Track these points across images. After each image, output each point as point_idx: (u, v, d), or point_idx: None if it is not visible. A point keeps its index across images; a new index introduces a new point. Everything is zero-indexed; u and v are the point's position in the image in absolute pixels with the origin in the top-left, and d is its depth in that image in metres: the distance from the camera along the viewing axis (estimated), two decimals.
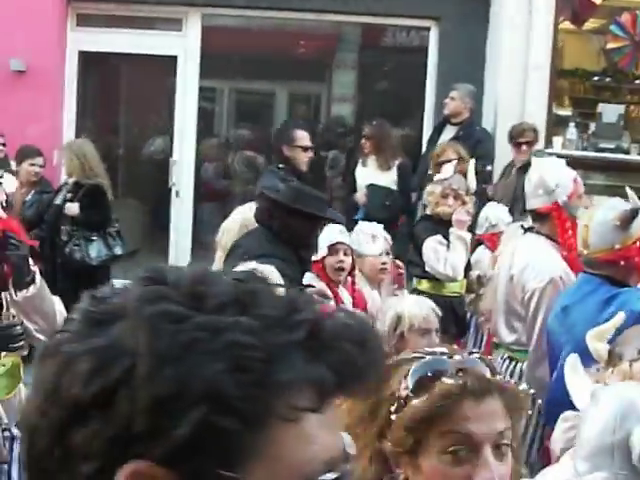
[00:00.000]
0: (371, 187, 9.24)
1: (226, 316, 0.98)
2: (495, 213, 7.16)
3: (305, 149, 7.31)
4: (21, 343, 4.14)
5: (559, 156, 9.90)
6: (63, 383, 0.98)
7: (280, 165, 7.10)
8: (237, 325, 0.97)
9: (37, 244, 4.51)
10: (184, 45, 10.44)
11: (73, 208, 8.28)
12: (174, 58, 10.44)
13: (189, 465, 0.95)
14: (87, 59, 10.53)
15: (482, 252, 6.92)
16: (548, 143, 9.97)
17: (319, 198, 5.33)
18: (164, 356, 0.95)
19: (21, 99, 9.86)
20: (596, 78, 11.31)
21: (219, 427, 0.94)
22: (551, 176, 5.15)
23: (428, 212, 6.87)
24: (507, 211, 7.24)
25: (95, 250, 8.34)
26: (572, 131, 10.24)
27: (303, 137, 7.40)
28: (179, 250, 10.48)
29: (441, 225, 6.61)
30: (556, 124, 10.34)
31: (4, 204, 4.32)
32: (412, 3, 10.14)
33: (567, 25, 10.60)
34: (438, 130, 9.47)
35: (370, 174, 9.41)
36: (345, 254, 5.47)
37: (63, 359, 0.99)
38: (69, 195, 8.38)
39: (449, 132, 9.25)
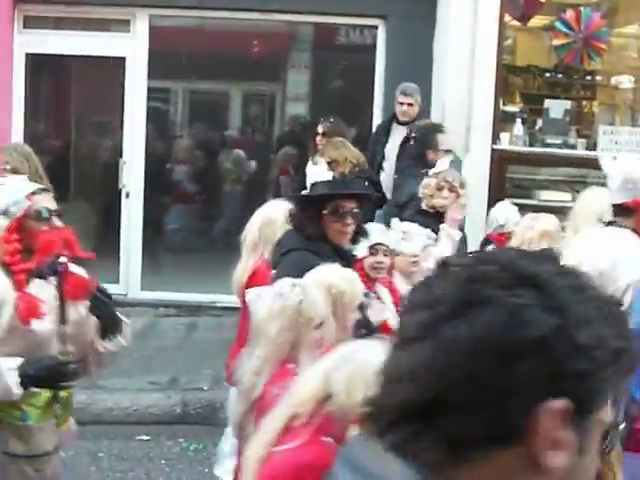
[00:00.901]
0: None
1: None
2: (504, 213, 7.13)
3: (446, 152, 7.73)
4: (71, 382, 4.19)
5: (507, 152, 10.05)
6: (486, 338, 1.25)
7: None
8: (615, 301, 1.37)
9: (94, 257, 4.43)
10: (132, 46, 10.44)
11: None
12: (123, 59, 10.45)
13: (589, 403, 1.28)
14: (35, 61, 10.50)
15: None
16: (496, 139, 10.03)
17: (329, 181, 5.36)
18: (583, 317, 1.27)
19: None
20: (547, 75, 11.36)
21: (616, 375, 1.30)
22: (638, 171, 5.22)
23: (423, 206, 6.84)
24: (516, 211, 7.21)
25: None
26: (519, 127, 10.29)
27: (446, 141, 7.81)
28: (130, 252, 10.49)
29: (431, 218, 6.61)
30: (504, 120, 10.39)
31: (55, 213, 4.29)
32: (361, 2, 10.18)
33: (517, 22, 10.70)
34: (385, 130, 9.45)
35: (321, 172, 9.39)
36: (384, 254, 5.51)
37: (463, 332, 1.25)
38: None
39: (399, 132, 9.23)
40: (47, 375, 4.03)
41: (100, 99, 11.76)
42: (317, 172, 9.28)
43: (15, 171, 8.43)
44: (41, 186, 4.62)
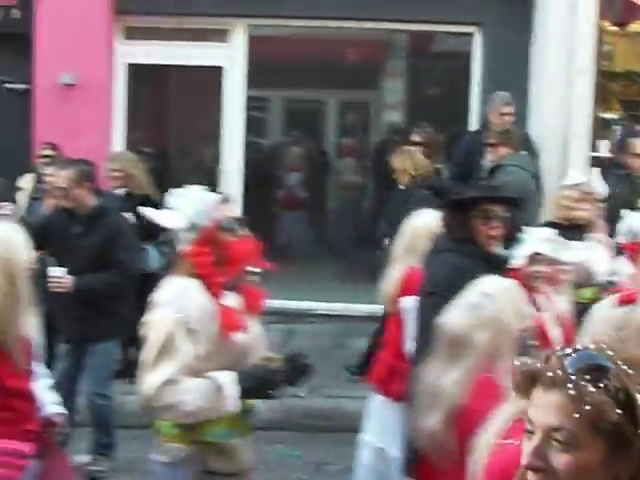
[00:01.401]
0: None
1: None
2: (638, 223, 6.97)
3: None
4: (279, 390, 4.17)
5: (604, 159, 9.91)
6: None
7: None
8: None
9: (275, 268, 4.43)
10: (230, 55, 10.58)
11: (129, 218, 8.38)
12: (220, 69, 10.60)
13: None
14: (135, 71, 10.72)
15: (621, 261, 6.68)
16: (594, 146, 9.93)
17: (479, 186, 5.39)
18: None
19: (71, 112, 10.09)
20: None
21: None
22: None
23: (557, 217, 6.75)
24: None
25: (153, 259, 8.50)
26: (618, 134, 10.16)
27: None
28: None
29: (566, 230, 6.47)
30: (602, 127, 10.27)
31: (239, 222, 4.26)
32: (455, 9, 10.16)
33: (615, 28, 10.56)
34: (479, 142, 9.32)
35: None
36: (544, 264, 5.41)
37: None
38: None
39: None
40: (259, 385, 4.03)
41: (198, 108, 11.93)
42: None
43: (130, 177, 8.64)
44: (223, 195, 4.63)
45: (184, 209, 4.14)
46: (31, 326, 4.16)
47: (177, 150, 11.82)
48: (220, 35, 10.77)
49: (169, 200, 4.30)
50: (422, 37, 11.89)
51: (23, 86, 10.52)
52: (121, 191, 8.62)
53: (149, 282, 8.35)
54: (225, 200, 4.46)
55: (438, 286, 4.75)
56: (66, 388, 6.62)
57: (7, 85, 10.61)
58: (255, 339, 4.27)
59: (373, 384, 6.01)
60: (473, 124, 10.36)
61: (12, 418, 4.06)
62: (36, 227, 6.83)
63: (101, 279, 6.66)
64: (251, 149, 11.07)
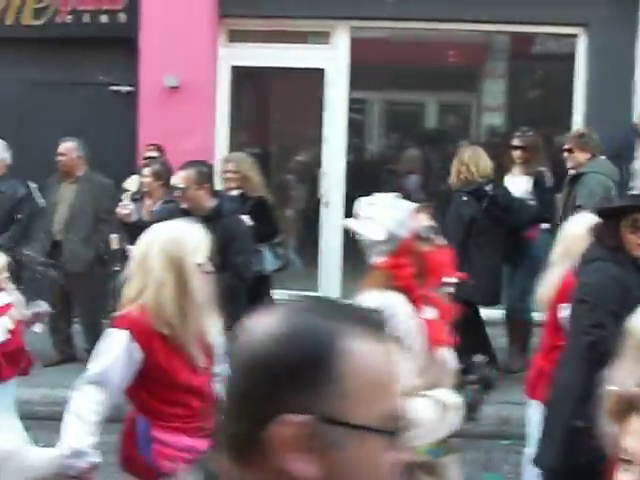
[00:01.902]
0: None
1: None
2: None
3: None
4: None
5: None
6: None
7: None
8: None
9: (467, 277, 4.32)
10: (332, 57, 10.61)
11: (245, 220, 8.41)
12: (322, 71, 10.63)
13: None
14: (238, 74, 10.81)
15: None
16: None
17: (631, 195, 5.36)
18: None
19: (175, 114, 10.22)
20: None
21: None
22: None
23: None
24: None
25: (268, 261, 8.56)
26: None
27: None
28: (329, 261, 10.63)
29: None
30: None
31: (434, 231, 4.17)
32: (559, 10, 10.04)
33: None
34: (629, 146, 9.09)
35: (510, 183, 9.32)
36: None
37: None
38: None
39: None
40: (472, 404, 4.02)
41: (300, 110, 11.98)
42: (515, 184, 9.25)
43: (246, 179, 8.68)
44: (420, 203, 4.52)
45: (382, 219, 4.01)
46: (210, 326, 4.23)
47: (279, 152, 11.87)
48: (322, 37, 10.81)
49: (361, 209, 4.19)
50: (523, 39, 11.76)
51: (128, 88, 10.69)
52: (236, 192, 8.62)
53: (264, 284, 8.48)
54: (421, 208, 4.33)
55: (589, 294, 4.78)
56: None
57: (113, 87, 10.79)
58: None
59: (526, 389, 5.95)
60: (576, 127, 10.21)
61: (187, 415, 4.13)
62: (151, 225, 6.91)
63: (216, 281, 6.69)
64: (352, 151, 11.06)
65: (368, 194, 11.14)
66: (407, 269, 3.92)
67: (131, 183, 9.74)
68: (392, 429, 1.40)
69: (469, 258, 7.99)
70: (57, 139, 9.42)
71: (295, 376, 1.35)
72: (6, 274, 6.33)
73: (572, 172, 8.39)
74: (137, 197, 8.92)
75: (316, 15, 10.55)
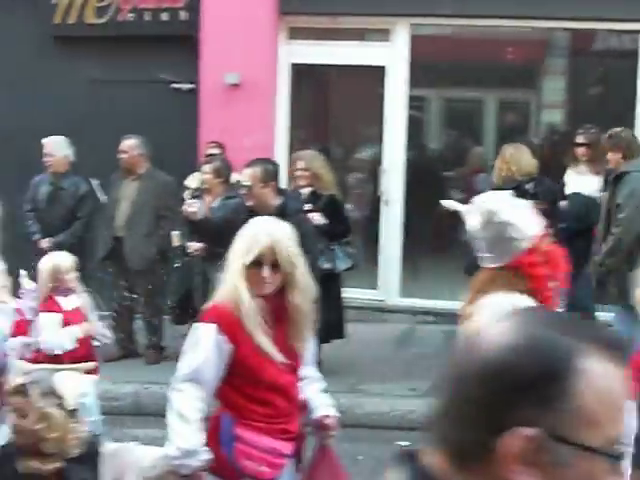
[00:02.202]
0: (573, 195, 9.07)
1: None
2: None
3: None
4: None
5: None
6: None
7: None
8: None
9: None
10: (392, 55, 10.57)
11: (319, 218, 8.38)
12: (382, 68, 10.60)
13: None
14: (298, 71, 10.82)
15: None
16: None
17: None
18: None
19: (236, 112, 10.26)
20: None
21: None
22: None
23: None
24: None
25: (340, 259, 8.54)
26: None
27: None
28: (389, 258, 10.60)
29: None
30: None
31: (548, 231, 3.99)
32: (621, 7, 9.92)
33: None
34: None
35: (577, 181, 9.24)
36: None
37: None
38: (307, 206, 8.41)
39: None
40: None
41: (360, 108, 11.96)
42: (577, 181, 9.17)
43: (317, 177, 8.66)
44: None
45: (511, 218, 3.80)
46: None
47: (338, 150, 11.85)
48: (382, 34, 10.77)
49: (479, 208, 3.92)
50: (584, 35, 11.64)
51: (189, 86, 10.73)
52: (306, 191, 8.60)
53: (334, 282, 8.48)
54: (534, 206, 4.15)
55: None
56: None
57: (174, 85, 10.84)
58: None
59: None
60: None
61: (271, 414, 4.10)
62: (218, 223, 6.93)
63: None
64: (411, 149, 11.02)
65: (428, 192, 11.15)
66: (541, 268, 3.76)
67: (192, 180, 9.79)
68: (617, 454, 1.38)
69: None
70: (119, 137, 9.49)
71: (531, 389, 1.35)
72: (74, 274, 6.35)
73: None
74: (197, 194, 8.96)
75: (376, 12, 10.51)
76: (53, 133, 9.67)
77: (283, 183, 8.78)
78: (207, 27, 10.40)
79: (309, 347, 4.30)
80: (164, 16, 10.69)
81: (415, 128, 11.40)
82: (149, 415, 7.70)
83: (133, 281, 9.25)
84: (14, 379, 3.63)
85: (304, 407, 4.30)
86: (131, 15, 10.76)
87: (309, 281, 4.12)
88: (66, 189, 9.44)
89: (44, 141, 9.54)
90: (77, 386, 3.73)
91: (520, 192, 8.29)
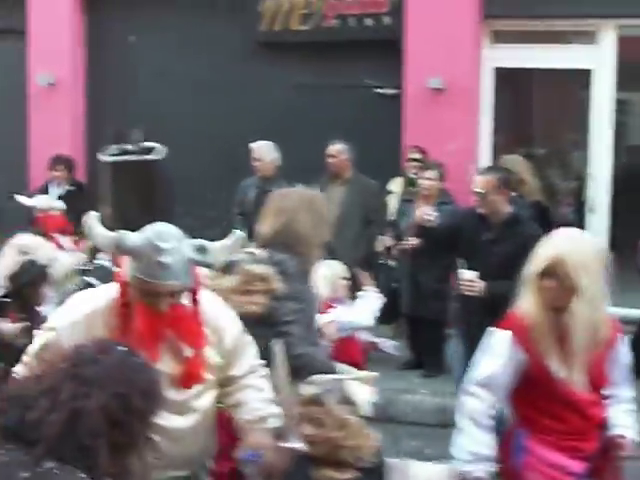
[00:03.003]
0: None
1: None
2: None
3: None
4: None
5: None
6: None
7: None
8: None
9: None
10: (598, 58, 10.35)
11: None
12: (587, 72, 10.39)
13: None
14: (501, 75, 10.72)
15: None
16: None
17: None
18: None
19: (439, 116, 10.25)
20: None
21: None
22: None
23: None
24: None
25: None
26: None
27: None
28: None
29: None
30: None
31: None
32: None
33: None
34: None
35: None
36: None
37: None
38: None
39: None
40: None
41: (563, 112, 11.78)
42: None
43: (522, 183, 8.62)
44: None
45: None
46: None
47: (542, 155, 11.66)
48: (586, 37, 10.54)
49: None
50: None
51: (393, 91, 10.79)
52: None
53: None
54: None
55: None
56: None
57: (378, 90, 10.92)
58: None
59: None
60: None
61: (563, 430, 4.07)
62: (446, 228, 6.95)
63: (513, 287, 6.61)
64: (618, 154, 10.74)
65: (636, 199, 10.83)
66: None
67: (395, 184, 9.85)
68: None
69: None
70: (323, 141, 9.63)
71: None
72: (344, 281, 6.33)
73: None
74: (408, 198, 9.02)
75: (581, 14, 10.31)
76: (260, 137, 9.91)
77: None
78: (411, 32, 10.42)
79: (619, 366, 4.24)
80: (368, 21, 10.77)
81: (621, 133, 11.12)
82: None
83: None
84: (307, 389, 3.69)
85: (606, 426, 4.22)
86: (336, 21, 10.88)
87: (598, 293, 4.05)
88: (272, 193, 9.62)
89: (253, 145, 9.77)
90: (365, 395, 3.77)
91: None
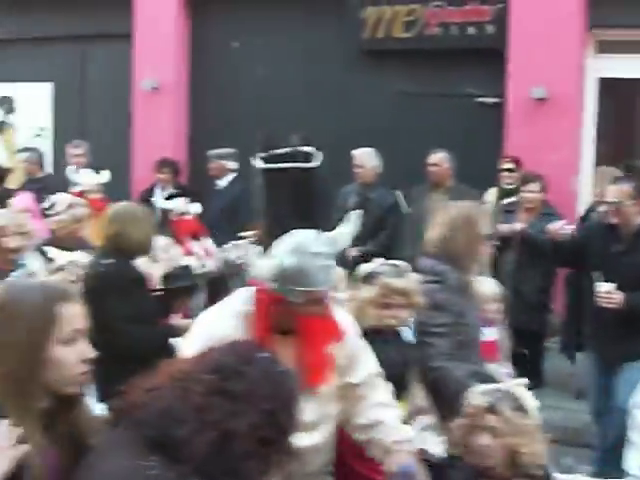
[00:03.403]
0: None
1: None
2: None
3: None
4: None
5: None
6: None
7: None
8: None
9: None
10: None
11: None
12: None
13: None
14: (605, 86, 10.61)
15: None
16: None
17: None
18: None
19: (542, 127, 10.17)
20: None
21: None
22: None
23: None
24: None
25: None
26: None
27: None
28: None
29: None
30: None
31: None
32: None
33: None
34: None
35: None
36: None
37: None
38: None
39: None
40: None
41: None
42: None
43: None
44: None
45: None
46: None
47: None
48: None
49: None
50: None
51: (494, 100, 10.74)
52: None
53: None
54: None
55: None
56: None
57: (479, 99, 10.89)
58: None
59: None
60: None
61: None
62: (575, 241, 6.90)
63: None
64: None
65: None
66: None
67: (491, 195, 9.80)
68: None
69: None
70: (423, 149, 9.65)
71: None
72: (496, 306, 6.32)
73: None
74: (510, 209, 8.98)
75: None
76: (361, 144, 9.97)
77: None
78: (514, 41, 10.37)
79: None
80: (471, 30, 10.75)
81: None
82: None
83: None
84: (478, 398, 3.65)
85: None
86: (438, 29, 10.89)
87: None
88: (373, 200, 9.67)
89: (354, 152, 9.84)
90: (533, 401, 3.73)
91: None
